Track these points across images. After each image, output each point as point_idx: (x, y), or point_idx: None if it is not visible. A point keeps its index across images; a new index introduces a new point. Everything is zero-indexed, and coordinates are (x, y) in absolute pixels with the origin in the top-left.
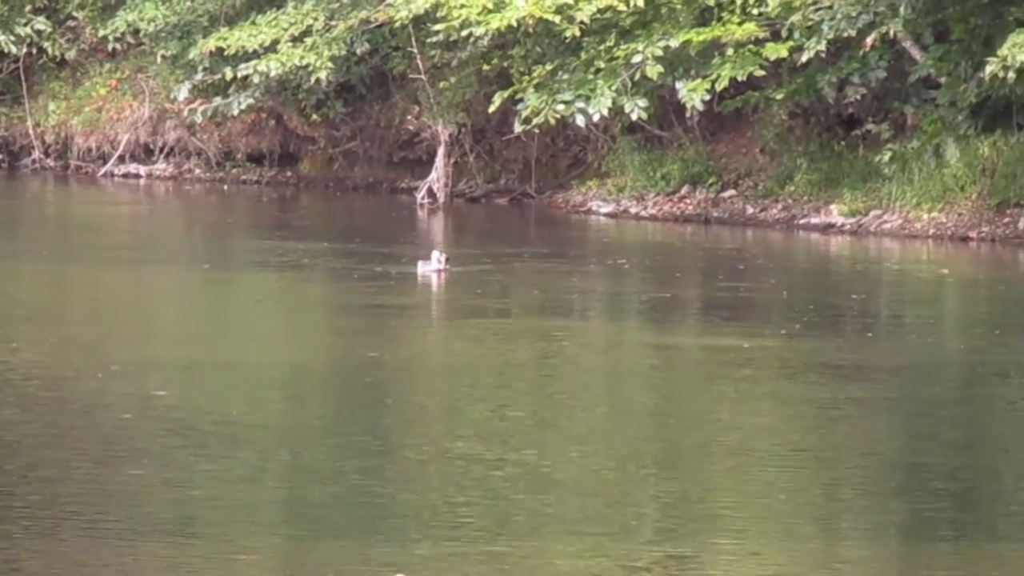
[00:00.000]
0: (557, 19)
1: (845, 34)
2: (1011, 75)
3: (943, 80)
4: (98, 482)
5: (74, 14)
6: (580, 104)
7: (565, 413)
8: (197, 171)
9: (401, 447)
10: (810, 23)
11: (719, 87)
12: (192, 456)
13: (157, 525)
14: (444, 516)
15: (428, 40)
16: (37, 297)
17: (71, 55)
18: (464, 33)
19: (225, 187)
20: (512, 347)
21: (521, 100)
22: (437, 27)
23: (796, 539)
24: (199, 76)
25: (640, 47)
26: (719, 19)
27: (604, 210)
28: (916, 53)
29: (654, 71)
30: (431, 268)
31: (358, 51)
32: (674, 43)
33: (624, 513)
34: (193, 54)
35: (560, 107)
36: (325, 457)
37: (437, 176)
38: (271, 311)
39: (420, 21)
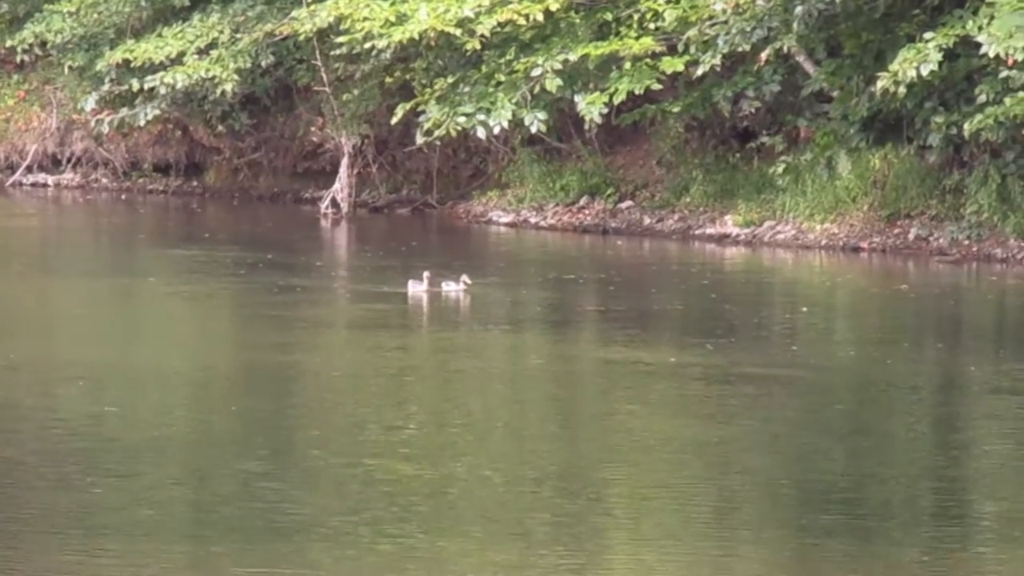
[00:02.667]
0: (458, 33)
1: (740, 49)
2: (901, 89)
3: (835, 94)
4: (6, 491)
5: None
6: (481, 116)
7: (478, 425)
8: (104, 181)
9: (306, 458)
10: (706, 38)
11: (617, 100)
12: (104, 464)
13: (64, 531)
14: (339, 522)
15: (332, 53)
16: None
17: None
18: (367, 46)
19: (123, 196)
20: (437, 359)
21: (423, 112)
22: (340, 40)
23: (690, 545)
24: (106, 87)
25: (540, 61)
26: (617, 34)
27: (504, 220)
28: (809, 67)
29: (553, 84)
30: (421, 288)
31: (263, 63)
32: (573, 57)
33: (519, 520)
34: (100, 66)
35: (461, 119)
36: (232, 465)
37: (340, 187)
38: (198, 321)
39: (324, 34)
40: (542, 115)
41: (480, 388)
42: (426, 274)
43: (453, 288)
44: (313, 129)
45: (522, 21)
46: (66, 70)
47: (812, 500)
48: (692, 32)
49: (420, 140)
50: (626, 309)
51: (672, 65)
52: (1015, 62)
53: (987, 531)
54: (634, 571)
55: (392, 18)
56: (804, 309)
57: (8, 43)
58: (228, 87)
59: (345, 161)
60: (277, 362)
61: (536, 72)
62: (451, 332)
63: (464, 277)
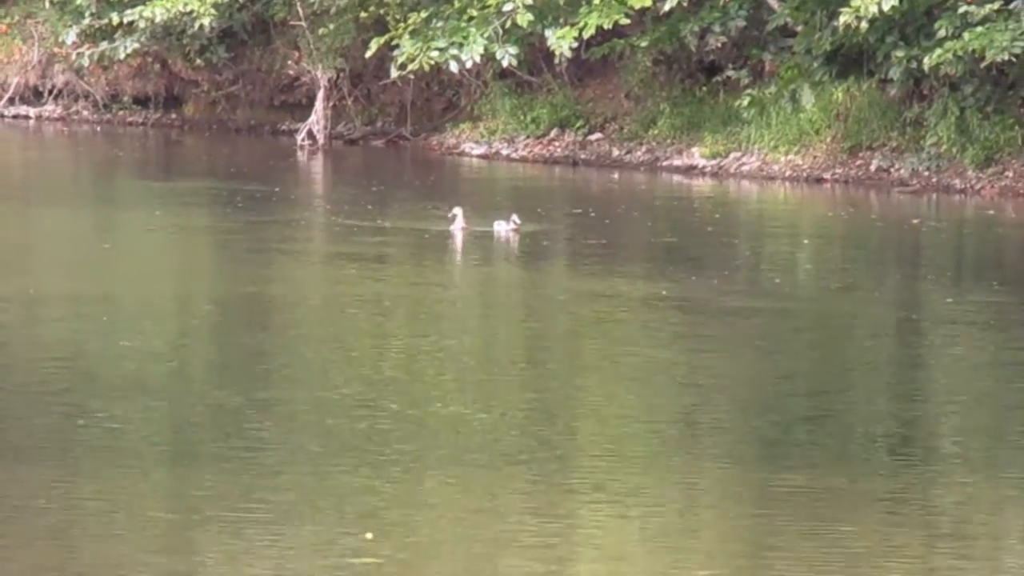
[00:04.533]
0: None
1: None
2: (864, 24)
3: (799, 29)
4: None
5: None
6: (453, 51)
7: (476, 356)
8: (85, 113)
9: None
10: None
11: (586, 35)
12: (93, 397)
13: (43, 452)
14: (316, 457)
15: None
16: None
17: None
18: None
19: (98, 129)
20: (445, 291)
21: (397, 46)
22: None
23: (653, 464)
24: (86, 21)
25: None
26: None
27: (476, 152)
28: (774, 3)
29: (524, 19)
30: (456, 227)
31: None
32: None
33: (493, 451)
34: (80, 0)
35: (434, 53)
36: (224, 399)
37: (316, 119)
38: (207, 255)
39: None
40: (513, 49)
41: (475, 320)
42: (458, 210)
43: (503, 228)
44: (289, 63)
45: None
46: (47, 4)
47: (777, 430)
48: None
49: (394, 74)
50: (619, 242)
51: (640, 0)
52: None
53: (945, 458)
54: (600, 497)
55: None
56: (805, 241)
57: None
58: (206, 21)
59: (321, 94)
60: (289, 295)
61: (508, 7)
62: (464, 267)
63: (514, 216)
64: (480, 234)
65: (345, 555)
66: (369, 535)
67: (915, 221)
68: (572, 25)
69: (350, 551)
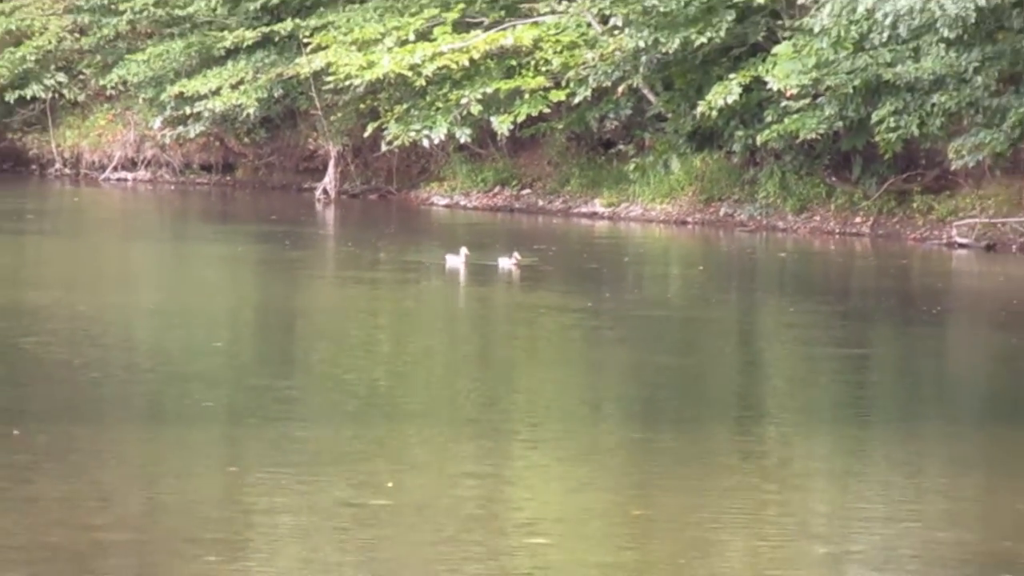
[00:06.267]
0: (410, 74)
1: (604, 84)
2: (714, 112)
3: (670, 116)
4: (88, 388)
5: (83, 70)
6: (426, 132)
7: (443, 347)
8: (166, 177)
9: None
10: (580, 77)
11: (519, 120)
12: (161, 383)
13: (127, 417)
14: (319, 413)
15: (323, 87)
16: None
17: (81, 98)
18: (347, 83)
19: (172, 187)
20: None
21: (386, 128)
22: (329, 79)
23: (571, 428)
24: (168, 112)
25: (466, 93)
26: (520, 73)
27: (442, 203)
28: (652, 97)
29: (476, 109)
30: (459, 261)
31: (275, 94)
32: (489, 90)
33: (445, 410)
34: (163, 96)
35: (412, 133)
36: (261, 380)
37: (329, 180)
38: (274, 281)
39: (318, 75)
40: (468, 130)
41: (448, 325)
42: (463, 249)
43: (505, 263)
44: (310, 140)
45: (454, 65)
46: (140, 100)
47: (659, 402)
48: (571, 73)
49: (384, 147)
50: (557, 268)
51: (557, 96)
52: (791, 95)
53: (773, 417)
54: (535, 456)
55: (364, 64)
56: (700, 267)
57: (101, 82)
58: (251, 110)
59: (332, 162)
60: (323, 307)
61: (464, 100)
62: (453, 289)
63: (515, 253)
64: (477, 267)
65: (367, 498)
66: (390, 484)
67: (782, 255)
68: (509, 113)
69: (371, 494)
